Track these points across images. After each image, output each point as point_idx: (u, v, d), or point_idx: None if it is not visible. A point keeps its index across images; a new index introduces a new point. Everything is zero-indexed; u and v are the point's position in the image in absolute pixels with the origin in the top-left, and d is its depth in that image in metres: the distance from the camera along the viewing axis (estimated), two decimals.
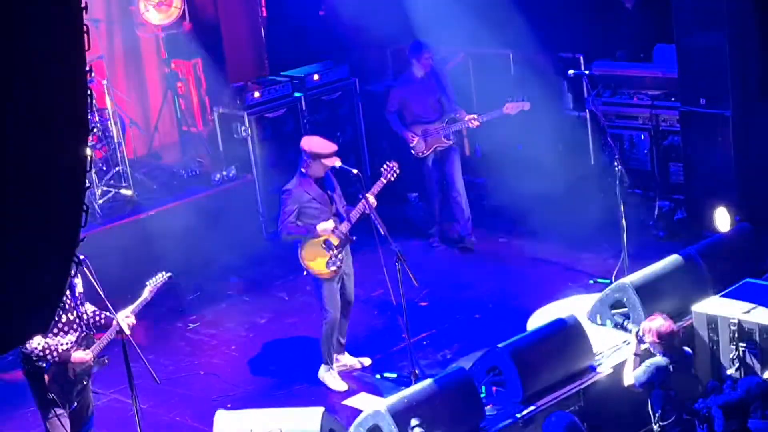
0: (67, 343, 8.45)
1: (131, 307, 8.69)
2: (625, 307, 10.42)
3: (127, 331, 8.40)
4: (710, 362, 9.74)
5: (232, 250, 13.35)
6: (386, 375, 10.51)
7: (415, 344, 10.42)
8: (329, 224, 10.16)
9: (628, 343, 9.72)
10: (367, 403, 9.85)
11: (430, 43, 13.27)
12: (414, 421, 8.22)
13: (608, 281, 11.48)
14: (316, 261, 10.18)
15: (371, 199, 10.14)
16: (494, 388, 9.59)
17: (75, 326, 8.50)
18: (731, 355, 9.64)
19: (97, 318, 8.70)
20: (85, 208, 3.66)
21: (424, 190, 13.52)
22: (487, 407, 9.37)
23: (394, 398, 9.17)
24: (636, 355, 9.39)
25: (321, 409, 8.93)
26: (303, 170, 10.15)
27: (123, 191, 13.14)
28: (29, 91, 3.34)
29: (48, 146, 3.43)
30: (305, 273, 10.34)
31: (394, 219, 12.86)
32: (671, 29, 12.49)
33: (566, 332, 9.86)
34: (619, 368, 9.70)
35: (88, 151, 3.66)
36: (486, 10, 13.98)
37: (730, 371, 9.52)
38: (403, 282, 9.87)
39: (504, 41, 14.49)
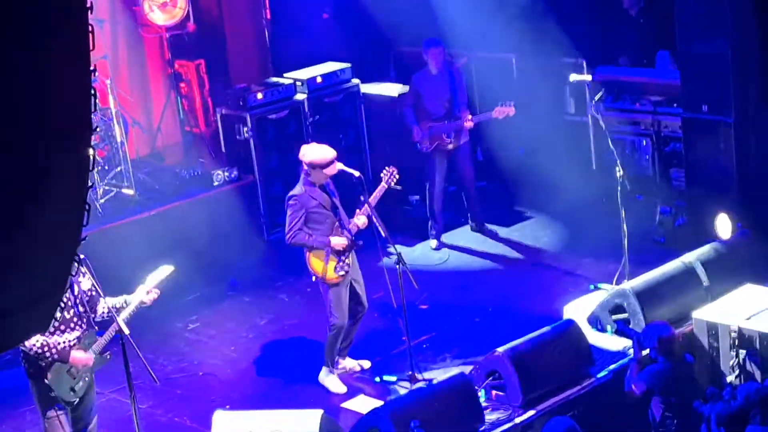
0: (64, 342, 8.45)
1: (130, 309, 8.68)
2: (626, 312, 10.43)
3: (126, 331, 8.38)
4: (710, 369, 9.74)
5: (233, 251, 13.35)
6: (386, 378, 10.50)
7: (415, 347, 10.42)
8: (343, 240, 10.14)
9: (629, 349, 9.73)
10: (366, 406, 9.84)
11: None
12: (414, 423, 8.22)
13: (609, 287, 11.48)
14: (324, 266, 10.16)
15: (362, 215, 10.16)
16: (494, 393, 9.59)
17: (73, 325, 8.50)
18: (731, 362, 9.64)
19: (120, 305, 8.69)
20: (87, 207, 3.66)
21: (429, 187, 13.49)
22: (487, 411, 9.38)
23: (393, 401, 9.18)
24: (636, 360, 9.40)
25: (320, 412, 8.94)
26: (307, 177, 10.13)
27: (125, 191, 13.15)
28: (34, 89, 3.35)
29: (51, 145, 3.44)
30: (313, 279, 10.32)
31: (396, 221, 12.86)
32: (674, 36, 12.49)
33: (566, 337, 9.87)
34: (619, 374, 9.71)
35: (91, 151, 3.66)
36: (489, 14, 13.99)
37: (730, 378, 9.52)
38: (403, 285, 9.87)
39: (507, 45, 14.50)
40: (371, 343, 11.10)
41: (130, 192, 13.13)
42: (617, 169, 11.63)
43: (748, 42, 11.69)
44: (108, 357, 8.68)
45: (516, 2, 14.00)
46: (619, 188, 11.60)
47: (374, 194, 10.28)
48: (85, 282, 8.52)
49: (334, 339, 10.36)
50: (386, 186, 10.37)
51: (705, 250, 11.04)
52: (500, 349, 9.64)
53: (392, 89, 14.95)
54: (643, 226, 12.88)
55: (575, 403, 9.47)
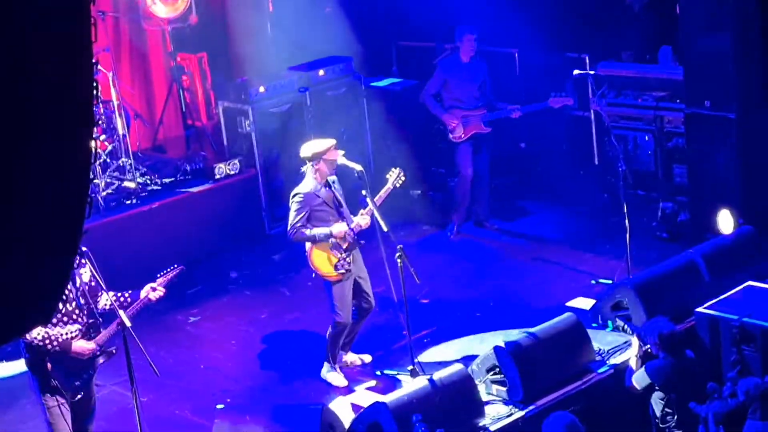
0: (67, 334, 8.45)
1: (136, 304, 8.69)
2: (627, 308, 10.42)
3: (128, 323, 8.39)
4: (711, 364, 9.73)
5: (234, 244, 13.36)
6: (387, 372, 10.50)
7: (415, 341, 10.42)
8: (344, 226, 10.14)
9: (630, 345, 9.73)
10: (367, 400, 9.84)
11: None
12: (416, 417, 8.21)
13: (610, 282, 11.48)
14: (325, 264, 10.15)
15: (366, 215, 10.16)
16: (494, 387, 9.59)
17: (75, 316, 8.50)
18: (733, 358, 9.64)
19: (123, 300, 8.69)
20: (88, 200, 3.66)
21: (456, 176, 13.42)
22: (487, 406, 9.38)
23: (394, 395, 9.18)
24: (637, 356, 9.40)
25: (322, 406, 8.95)
26: (314, 174, 10.11)
27: (126, 183, 13.15)
28: (35, 82, 3.34)
29: (53, 138, 3.43)
30: (314, 275, 10.31)
31: (397, 215, 12.85)
32: (677, 31, 12.48)
33: (568, 332, 9.86)
34: (620, 369, 9.71)
35: (93, 143, 3.65)
36: (492, 9, 13.98)
37: (731, 374, 9.52)
38: (404, 279, 9.87)
39: (510, 40, 14.50)
40: (372, 337, 11.10)
41: (132, 185, 13.13)
42: (619, 164, 11.63)
43: (751, 38, 11.68)
44: (113, 352, 8.67)
45: None
46: (621, 183, 11.61)
47: (379, 195, 10.28)
48: (85, 273, 8.52)
49: (337, 336, 10.36)
50: (392, 187, 10.38)
51: (707, 246, 11.04)
52: (501, 344, 9.63)
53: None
54: (645, 221, 12.89)
55: (576, 398, 9.46)
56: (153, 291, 8.72)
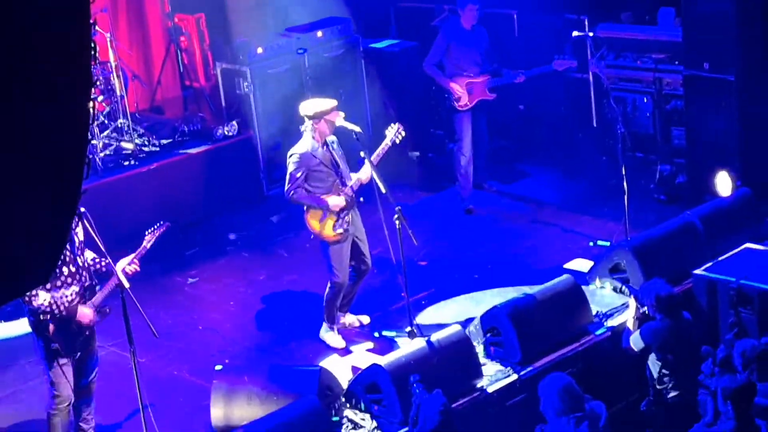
0: (70, 295, 8.48)
1: (132, 256, 8.72)
2: (625, 270, 10.44)
3: (126, 284, 8.41)
4: (709, 327, 9.76)
5: (232, 206, 13.36)
6: (385, 333, 10.53)
7: (413, 303, 10.44)
8: (341, 200, 10.12)
9: (627, 306, 9.75)
10: (365, 361, 9.87)
11: None
12: (413, 378, 8.24)
13: (608, 244, 11.49)
14: (322, 224, 10.14)
15: (365, 170, 10.16)
16: (492, 349, 9.62)
17: (77, 277, 8.53)
18: (730, 320, 9.67)
19: (98, 265, 8.73)
20: (86, 161, 3.65)
21: (457, 144, 13.35)
22: (484, 367, 9.40)
23: (392, 356, 9.21)
24: (635, 318, 9.42)
25: (319, 367, 8.98)
26: (313, 133, 10.08)
27: (124, 144, 13.14)
28: (33, 43, 3.33)
29: (51, 99, 3.42)
30: (312, 237, 10.31)
31: (396, 177, 12.84)
32: None
33: (565, 294, 9.88)
34: (617, 331, 9.74)
35: (91, 104, 3.64)
36: None
37: (728, 336, 9.55)
38: (402, 240, 9.87)
39: (509, 1, 14.44)
40: (370, 299, 11.12)
41: (130, 146, 13.12)
42: (618, 126, 11.61)
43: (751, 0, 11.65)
44: (107, 311, 8.71)
45: None
46: (619, 146, 11.60)
47: (378, 151, 10.25)
48: (80, 233, 8.54)
49: (334, 296, 10.38)
50: (390, 143, 10.33)
51: (705, 208, 11.05)
52: (499, 306, 9.66)
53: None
54: (643, 183, 12.89)
55: (573, 360, 9.49)
56: (129, 265, 8.70)
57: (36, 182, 3.46)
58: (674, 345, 9.11)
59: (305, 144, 10.08)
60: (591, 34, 12.95)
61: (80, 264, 8.56)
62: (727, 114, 11.98)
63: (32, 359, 9.23)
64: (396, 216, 9.82)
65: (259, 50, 13.87)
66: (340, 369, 9.79)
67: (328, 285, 10.33)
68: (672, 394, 9.16)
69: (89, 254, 8.73)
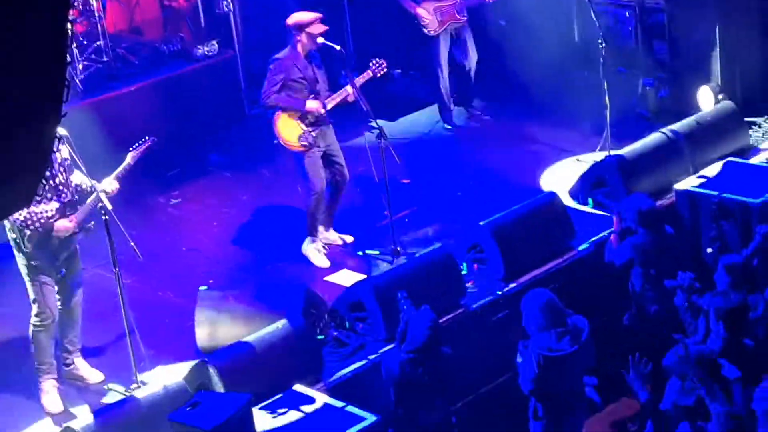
0: (50, 210, 8.47)
1: (114, 174, 8.70)
2: (608, 185, 10.46)
3: (109, 206, 8.40)
4: (691, 240, 9.81)
5: (214, 126, 13.28)
6: (368, 252, 10.54)
7: (397, 222, 10.45)
8: (317, 105, 10.11)
9: (610, 221, 9.78)
10: (349, 280, 9.91)
11: None
12: (401, 294, 8.25)
13: (591, 159, 11.49)
14: (289, 132, 10.18)
15: (342, 93, 10.15)
16: (476, 266, 9.66)
17: (58, 193, 8.50)
18: (712, 234, 9.72)
19: (83, 188, 8.71)
20: (66, 82, 3.62)
21: (433, 70, 13.24)
22: (469, 284, 9.45)
23: (376, 274, 9.25)
24: (616, 233, 9.46)
25: (304, 286, 9.02)
26: (295, 46, 10.09)
27: (103, 65, 13.03)
28: None
29: (29, 20, 3.39)
30: (275, 141, 10.36)
31: (378, 94, 12.78)
32: None
33: (548, 210, 9.91)
34: (600, 246, 9.78)
35: (69, 25, 3.60)
36: None
37: (711, 250, 9.61)
38: (385, 159, 9.86)
39: None
40: (354, 218, 11.13)
41: (109, 67, 13.01)
42: (600, 41, 11.56)
43: None
44: (91, 226, 8.70)
45: None
46: (601, 60, 11.56)
47: (358, 79, 10.25)
48: (64, 150, 8.49)
49: (314, 206, 10.43)
50: (371, 74, 10.33)
51: (687, 122, 11.05)
52: (482, 223, 9.68)
53: None
54: (626, 98, 12.86)
55: (557, 275, 9.54)
56: (110, 184, 8.68)
57: (15, 104, 3.44)
58: (656, 259, 9.16)
59: (288, 53, 10.09)
60: None
61: (61, 181, 8.54)
62: (709, 27, 11.94)
63: (9, 278, 9.26)
64: (378, 134, 9.80)
65: None
66: (326, 288, 9.82)
67: (306, 196, 10.37)
68: (654, 308, 9.24)
69: (75, 177, 8.69)
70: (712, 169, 10.30)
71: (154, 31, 14.68)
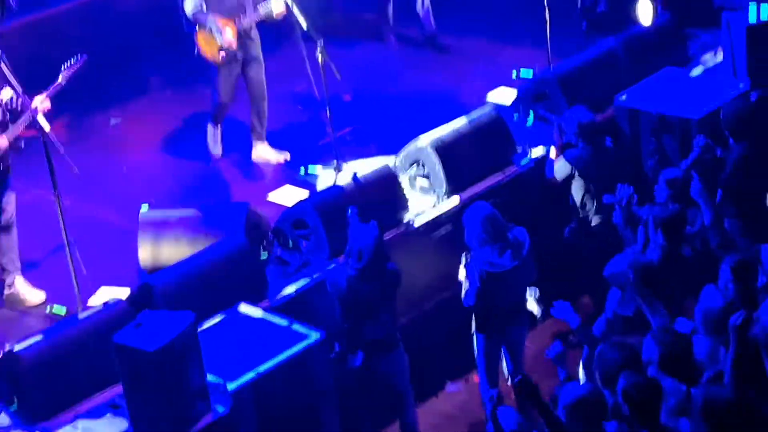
0: None
1: (46, 92, 8.61)
2: (548, 98, 10.48)
3: (46, 126, 8.29)
4: (631, 153, 9.86)
5: (152, 43, 13.07)
6: (310, 169, 10.51)
7: (338, 139, 10.41)
8: (232, 39, 10.26)
9: (551, 136, 9.80)
10: (291, 196, 9.89)
11: None
12: (351, 210, 8.22)
13: (531, 73, 11.47)
14: (209, 44, 10.37)
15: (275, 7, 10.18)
16: (418, 181, 9.66)
17: None
18: (651, 147, 9.78)
19: (14, 104, 8.61)
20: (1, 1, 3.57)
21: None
22: (410, 200, 9.45)
23: (318, 192, 9.24)
24: (558, 147, 9.50)
25: (246, 205, 8.99)
26: None
27: None
28: None
29: None
30: (195, 52, 10.43)
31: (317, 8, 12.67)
32: None
33: (489, 125, 9.91)
34: (541, 161, 9.82)
35: None
36: None
37: (650, 163, 9.68)
38: (326, 76, 9.80)
39: None
40: (295, 136, 11.10)
41: None
42: None
43: None
44: (21, 146, 8.62)
45: None
46: None
47: None
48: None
49: (215, 113, 10.80)
50: None
51: (626, 35, 11.06)
52: (423, 137, 9.66)
53: None
54: (565, 12, 12.81)
55: (498, 191, 9.56)
56: (41, 103, 8.59)
57: None
58: (596, 172, 9.22)
59: None
60: None
61: None
62: None
63: None
64: (318, 50, 9.73)
65: None
66: (268, 207, 9.80)
67: (211, 104, 10.73)
68: (594, 221, 9.32)
69: (6, 93, 8.59)
70: (652, 82, 10.33)
71: None
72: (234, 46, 10.25)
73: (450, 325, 8.82)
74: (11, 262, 9.00)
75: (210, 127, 10.94)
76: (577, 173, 9.27)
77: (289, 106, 11.59)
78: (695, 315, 6.93)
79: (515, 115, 10.60)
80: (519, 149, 10.01)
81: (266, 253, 8.92)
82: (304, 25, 9.85)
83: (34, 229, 9.49)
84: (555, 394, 6.54)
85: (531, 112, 10.57)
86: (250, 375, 7.31)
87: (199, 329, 7.23)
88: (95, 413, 7.26)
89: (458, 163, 9.56)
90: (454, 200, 9.43)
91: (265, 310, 8.14)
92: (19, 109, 8.59)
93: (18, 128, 8.54)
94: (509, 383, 8.23)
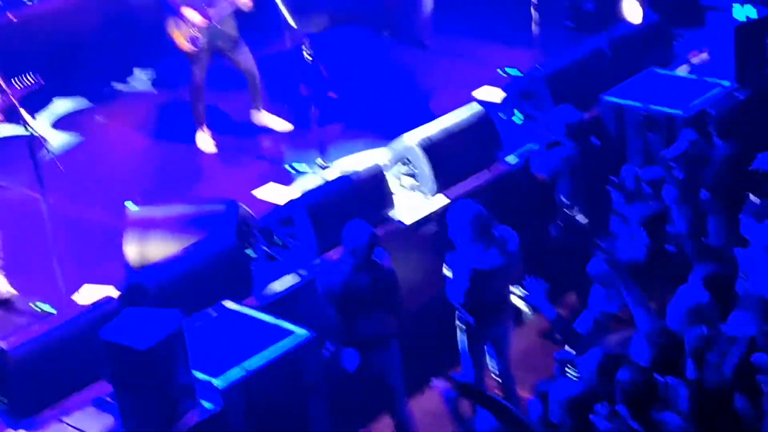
0: None
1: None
2: (535, 97, 10.49)
3: (30, 121, 8.28)
4: (617, 151, 9.88)
5: (137, 37, 12.97)
6: (296, 165, 10.48)
7: (325, 135, 10.39)
8: (196, 16, 10.42)
9: (537, 134, 9.82)
10: (277, 194, 9.88)
11: None
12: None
13: (518, 72, 11.49)
14: (177, 32, 10.56)
15: None
16: (405, 180, 9.66)
17: None
18: (638, 145, 9.80)
19: None
20: None
21: None
22: (397, 198, 9.45)
23: (305, 189, 9.23)
24: (544, 145, 9.51)
25: (234, 202, 8.97)
26: None
27: None
28: None
29: None
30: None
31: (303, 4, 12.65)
32: None
33: (475, 123, 9.91)
34: (527, 159, 9.83)
35: None
36: None
37: (636, 160, 9.70)
38: (312, 73, 9.79)
39: None
40: (281, 133, 11.10)
41: None
42: None
43: None
44: None
45: None
46: None
47: None
48: None
49: (192, 99, 10.93)
50: None
51: (613, 34, 11.08)
52: (409, 136, 9.66)
53: None
54: (552, 10, 12.83)
55: (485, 189, 9.56)
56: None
57: None
58: (583, 170, 9.22)
59: None
60: None
61: None
62: None
63: None
64: (304, 47, 9.71)
65: None
66: (256, 205, 9.79)
67: (188, 87, 10.92)
68: (581, 219, 9.32)
69: None
70: (638, 80, 10.35)
71: None
72: (202, 24, 10.39)
73: (435, 323, 8.80)
74: None
75: (198, 133, 10.98)
76: (563, 172, 9.28)
77: (273, 103, 11.56)
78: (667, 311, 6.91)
79: (502, 114, 10.60)
80: (506, 148, 10.01)
81: (252, 250, 8.91)
82: (290, 21, 9.85)
83: (18, 226, 9.44)
84: (540, 389, 6.51)
85: (517, 109, 10.58)
86: (240, 373, 7.30)
87: (187, 326, 7.21)
88: (83, 410, 7.25)
89: (445, 161, 9.55)
90: (441, 198, 9.42)
91: (253, 307, 8.12)
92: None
93: None
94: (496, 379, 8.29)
